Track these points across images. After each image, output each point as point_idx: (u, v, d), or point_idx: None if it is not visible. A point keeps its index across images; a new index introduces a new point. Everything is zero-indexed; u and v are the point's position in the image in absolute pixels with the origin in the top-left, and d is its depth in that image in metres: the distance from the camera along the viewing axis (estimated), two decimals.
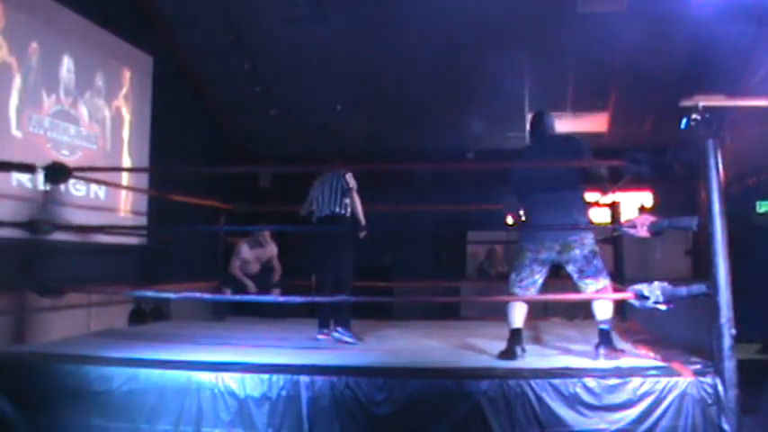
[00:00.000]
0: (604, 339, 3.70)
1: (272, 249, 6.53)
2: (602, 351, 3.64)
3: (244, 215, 6.88)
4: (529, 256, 3.82)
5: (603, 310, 3.74)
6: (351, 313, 4.73)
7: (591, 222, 4.04)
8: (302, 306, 5.96)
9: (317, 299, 4.90)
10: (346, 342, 4.49)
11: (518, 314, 3.81)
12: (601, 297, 3.79)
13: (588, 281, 3.76)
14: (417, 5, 6.82)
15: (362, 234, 4.88)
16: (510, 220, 4.04)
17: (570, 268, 3.79)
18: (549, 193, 3.79)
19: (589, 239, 3.81)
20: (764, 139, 7.11)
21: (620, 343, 4.28)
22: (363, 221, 4.86)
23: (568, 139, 4.00)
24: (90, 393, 3.32)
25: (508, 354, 3.70)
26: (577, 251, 3.74)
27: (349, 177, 4.82)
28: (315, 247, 5.01)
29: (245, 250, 6.39)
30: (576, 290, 3.83)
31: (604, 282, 3.78)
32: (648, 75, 7.45)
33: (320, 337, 4.70)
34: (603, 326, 3.73)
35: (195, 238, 7.36)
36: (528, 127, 4.17)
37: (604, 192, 3.99)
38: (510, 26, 6.90)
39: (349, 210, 4.83)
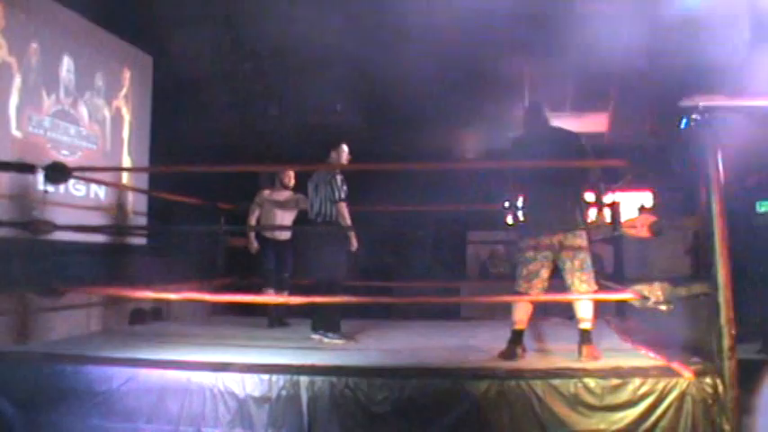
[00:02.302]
0: (586, 339, 3.70)
1: (299, 196, 5.76)
2: (584, 350, 3.64)
3: (244, 215, 6.86)
4: (532, 246, 3.79)
5: (587, 310, 3.75)
6: (341, 315, 4.71)
7: (592, 221, 4.03)
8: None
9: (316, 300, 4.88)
10: (337, 343, 4.49)
11: (522, 314, 3.80)
12: (601, 298, 3.80)
13: (584, 277, 3.76)
14: (418, 6, 6.82)
15: (354, 247, 4.81)
16: (511, 210, 3.99)
17: (568, 265, 3.77)
18: (553, 185, 3.77)
19: (585, 235, 3.84)
20: (764, 139, 7.10)
21: (620, 343, 4.29)
22: (353, 233, 4.78)
23: (570, 134, 3.97)
24: (90, 393, 3.33)
25: (508, 354, 3.70)
26: (579, 241, 3.76)
27: (336, 184, 4.68)
28: (308, 248, 5.01)
29: (266, 193, 5.78)
30: (567, 288, 3.83)
31: (594, 280, 3.80)
32: (648, 75, 7.45)
33: (314, 336, 4.70)
34: (585, 325, 3.73)
35: (195, 238, 7.35)
36: (524, 116, 4.12)
37: (600, 195, 3.98)
38: (510, 26, 6.90)
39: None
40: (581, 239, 3.78)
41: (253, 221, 5.77)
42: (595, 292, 3.81)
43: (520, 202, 3.98)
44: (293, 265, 5.68)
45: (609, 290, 4.95)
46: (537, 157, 3.83)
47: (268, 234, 5.77)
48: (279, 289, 5.65)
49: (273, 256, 5.73)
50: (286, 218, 5.78)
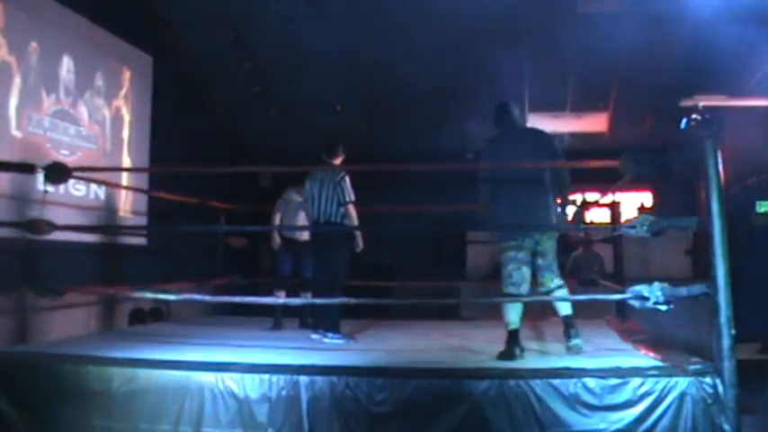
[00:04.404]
0: (573, 324, 3.84)
1: None
2: (572, 333, 3.80)
3: (244, 215, 6.86)
4: (513, 247, 3.85)
5: (566, 307, 3.88)
6: (341, 315, 4.71)
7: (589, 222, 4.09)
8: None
9: (316, 301, 4.87)
10: (338, 343, 4.49)
11: (515, 315, 3.82)
12: (601, 298, 3.80)
13: (553, 275, 3.89)
14: (417, 5, 6.83)
15: (359, 249, 4.83)
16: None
17: (540, 261, 3.88)
18: (528, 186, 3.86)
19: (555, 236, 3.96)
20: (764, 139, 7.11)
21: (620, 343, 4.29)
22: (359, 235, 4.80)
23: (544, 135, 4.06)
24: (90, 393, 3.32)
25: (507, 354, 3.70)
26: (552, 243, 3.88)
27: (346, 187, 4.70)
28: (310, 248, 5.00)
29: (293, 194, 5.62)
30: (539, 285, 3.94)
31: (561, 277, 3.94)
32: (648, 75, 7.46)
33: (314, 336, 4.70)
34: (566, 312, 3.86)
35: (195, 238, 7.36)
36: (495, 117, 4.13)
37: (565, 197, 4.06)
38: (510, 26, 6.91)
39: (345, 219, 4.77)
40: (553, 240, 3.91)
41: (277, 221, 5.69)
42: (560, 287, 3.92)
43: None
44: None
45: (609, 290, 4.96)
46: (511, 158, 3.89)
47: (288, 235, 5.65)
48: (300, 290, 5.53)
49: (291, 258, 5.63)
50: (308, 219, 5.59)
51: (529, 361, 3.65)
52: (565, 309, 3.88)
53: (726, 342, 2.98)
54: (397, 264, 9.22)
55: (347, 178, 4.74)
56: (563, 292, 3.91)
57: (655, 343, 4.13)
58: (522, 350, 3.79)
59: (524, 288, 3.87)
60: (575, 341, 3.78)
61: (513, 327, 3.79)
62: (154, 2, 7.07)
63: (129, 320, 6.02)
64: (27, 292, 4.51)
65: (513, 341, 3.76)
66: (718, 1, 5.93)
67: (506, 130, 4.08)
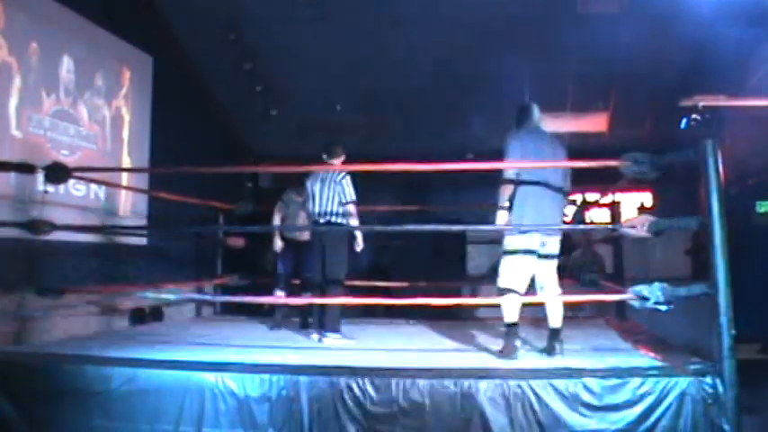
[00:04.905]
0: (558, 336, 3.83)
1: None
2: (557, 347, 3.78)
3: (244, 215, 6.85)
4: (523, 245, 3.84)
5: (556, 319, 3.86)
6: (342, 315, 4.71)
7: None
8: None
9: (317, 300, 4.87)
10: (338, 343, 4.49)
11: (512, 308, 3.82)
12: (602, 298, 3.80)
13: (554, 278, 3.90)
14: (417, 5, 6.83)
15: (359, 248, 4.83)
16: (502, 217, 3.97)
17: (545, 264, 3.89)
18: (546, 187, 3.86)
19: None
20: (764, 139, 7.11)
21: (620, 343, 4.29)
22: (360, 235, 4.80)
23: (561, 138, 4.12)
24: (90, 393, 3.33)
25: (508, 351, 3.70)
26: (557, 247, 3.90)
27: (347, 186, 4.72)
28: (311, 247, 5.00)
29: (293, 195, 5.61)
30: (540, 288, 3.93)
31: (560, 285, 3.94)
32: (648, 75, 7.45)
33: (315, 336, 4.70)
34: (556, 325, 3.85)
35: (195, 238, 7.35)
36: (517, 115, 4.13)
37: (567, 199, 4.11)
38: (510, 26, 6.90)
39: (346, 219, 4.78)
40: (559, 244, 3.93)
41: (277, 221, 5.67)
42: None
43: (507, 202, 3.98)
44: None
45: (609, 290, 4.96)
46: (534, 157, 3.87)
47: (288, 235, 5.62)
48: (300, 290, 5.51)
49: (291, 257, 5.61)
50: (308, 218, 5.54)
51: (529, 361, 3.65)
52: (555, 321, 3.86)
53: (726, 342, 2.98)
54: (396, 264, 9.21)
55: (348, 178, 4.75)
56: (558, 304, 3.88)
57: (655, 343, 4.13)
58: (520, 342, 3.81)
59: (524, 287, 3.86)
60: (555, 355, 3.76)
61: (511, 320, 3.80)
62: (154, 2, 7.07)
63: (129, 320, 6.01)
64: (27, 292, 4.51)
65: (511, 334, 3.77)
66: (717, 1, 5.92)
67: (531, 131, 4.04)
